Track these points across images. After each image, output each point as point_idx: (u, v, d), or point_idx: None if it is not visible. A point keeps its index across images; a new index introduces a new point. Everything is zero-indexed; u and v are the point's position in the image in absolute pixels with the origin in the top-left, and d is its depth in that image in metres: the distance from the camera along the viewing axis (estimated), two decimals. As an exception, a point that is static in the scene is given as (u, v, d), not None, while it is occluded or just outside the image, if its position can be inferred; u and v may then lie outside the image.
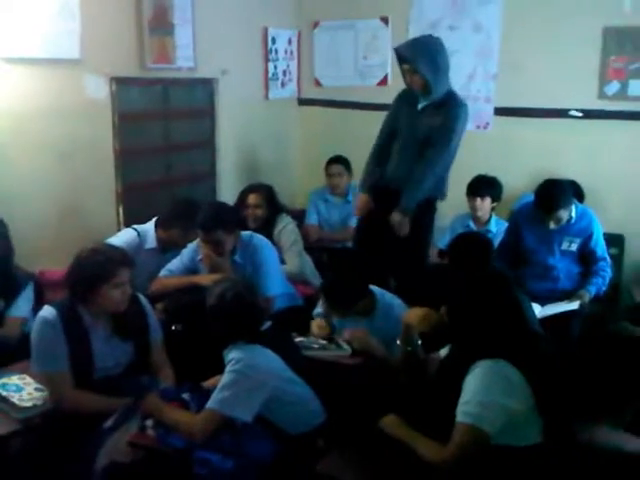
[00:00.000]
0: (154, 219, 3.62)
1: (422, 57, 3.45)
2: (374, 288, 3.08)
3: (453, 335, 2.32)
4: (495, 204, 4.30)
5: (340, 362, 2.89)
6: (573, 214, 3.62)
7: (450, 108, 3.55)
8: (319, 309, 3.27)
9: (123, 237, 3.49)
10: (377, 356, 2.88)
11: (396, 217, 3.59)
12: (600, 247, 3.70)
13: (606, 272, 3.69)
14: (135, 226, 3.63)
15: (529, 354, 2.15)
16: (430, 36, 3.72)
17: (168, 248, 3.56)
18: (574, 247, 3.67)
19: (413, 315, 2.55)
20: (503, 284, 2.34)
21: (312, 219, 4.87)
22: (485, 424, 2.05)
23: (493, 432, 2.06)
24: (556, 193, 3.56)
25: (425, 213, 3.71)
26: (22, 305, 2.99)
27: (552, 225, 3.58)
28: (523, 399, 2.09)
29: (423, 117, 3.60)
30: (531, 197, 4.60)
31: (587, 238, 3.66)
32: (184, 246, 3.50)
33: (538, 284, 3.63)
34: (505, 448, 2.07)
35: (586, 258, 3.70)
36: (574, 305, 3.52)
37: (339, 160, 4.82)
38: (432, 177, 3.59)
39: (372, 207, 3.80)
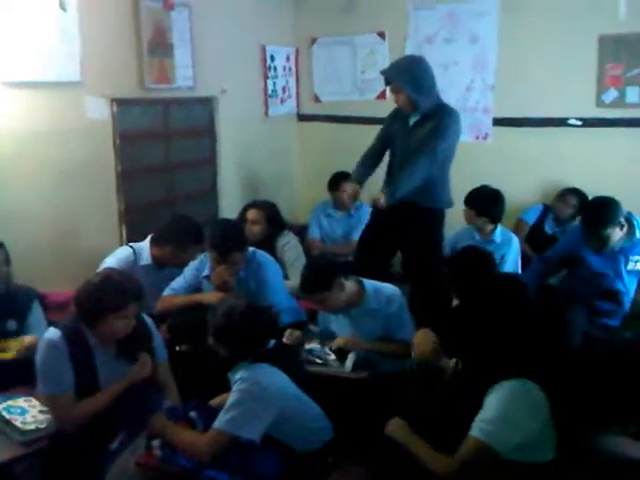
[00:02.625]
0: (149, 236, 3.61)
1: (403, 76, 3.62)
2: (359, 278, 3.14)
3: (472, 353, 2.28)
4: (489, 221, 4.15)
5: (345, 377, 2.90)
6: (638, 235, 3.51)
7: (441, 116, 3.64)
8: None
9: (119, 255, 3.49)
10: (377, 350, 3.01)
11: (378, 198, 3.65)
12: None
13: None
14: (131, 244, 3.64)
15: (552, 372, 2.11)
16: (412, 55, 4.01)
17: (164, 265, 3.57)
18: (639, 266, 3.59)
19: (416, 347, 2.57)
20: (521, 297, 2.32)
21: (314, 233, 4.86)
22: (498, 444, 2.04)
23: (504, 452, 2.04)
24: (606, 209, 3.45)
25: (434, 223, 3.77)
26: (36, 325, 2.94)
27: (598, 246, 3.49)
28: (542, 416, 2.07)
29: (415, 131, 3.69)
30: (538, 207, 4.56)
31: None
32: (180, 263, 3.52)
33: (602, 303, 3.58)
34: (518, 464, 2.05)
35: None
36: None
37: (350, 177, 4.78)
38: (424, 172, 3.59)
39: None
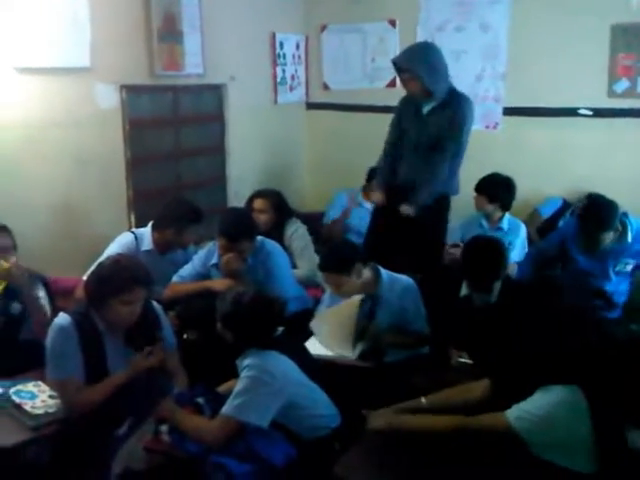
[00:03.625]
0: (151, 222, 3.62)
1: (417, 62, 3.56)
2: (376, 266, 3.15)
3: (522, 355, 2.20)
4: (500, 208, 4.16)
5: (352, 365, 2.91)
6: (629, 238, 3.49)
7: (457, 105, 3.63)
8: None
9: (121, 241, 3.50)
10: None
11: (406, 209, 3.65)
12: None
13: None
14: (133, 229, 3.67)
15: (599, 377, 2.05)
16: (424, 42, 3.88)
17: (167, 250, 3.58)
18: (629, 268, 3.57)
19: None
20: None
21: (334, 217, 4.77)
22: (527, 435, 2.01)
23: (528, 440, 2.02)
24: (601, 214, 3.43)
25: (440, 209, 3.78)
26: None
27: (591, 247, 3.46)
28: (585, 424, 2.01)
29: (430, 119, 3.67)
30: (557, 201, 4.47)
31: None
32: (183, 244, 3.55)
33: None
34: (561, 469, 2.01)
35: None
36: None
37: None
38: (445, 173, 3.65)
39: (385, 204, 3.84)
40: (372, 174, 4.56)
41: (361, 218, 4.68)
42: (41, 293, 3.00)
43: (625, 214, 3.51)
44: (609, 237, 3.43)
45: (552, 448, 2.02)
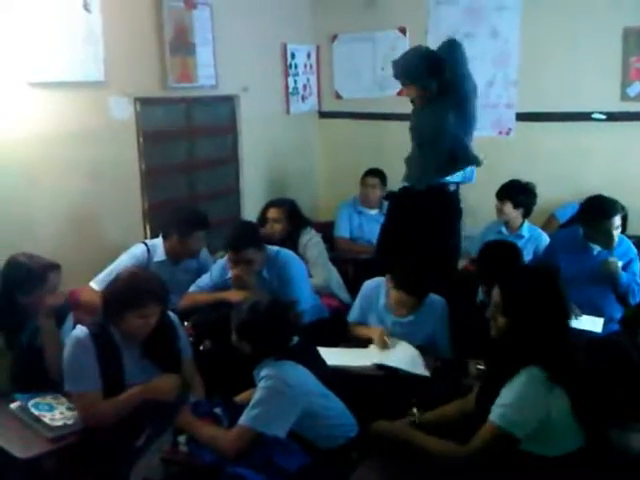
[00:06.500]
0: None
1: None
2: None
3: (499, 345, 2.24)
4: (523, 214, 4.17)
5: (369, 374, 2.90)
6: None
7: None
8: (354, 314, 3.33)
9: (132, 252, 3.54)
10: None
11: None
12: (637, 273, 3.57)
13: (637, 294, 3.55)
14: (146, 240, 3.71)
15: (569, 362, 2.09)
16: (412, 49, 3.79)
17: (179, 258, 3.59)
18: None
19: None
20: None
21: (344, 231, 4.77)
22: (516, 429, 2.03)
23: (523, 437, 2.03)
24: (608, 200, 3.47)
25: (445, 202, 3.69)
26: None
27: (604, 240, 3.43)
28: (561, 408, 2.05)
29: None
30: (573, 206, 4.32)
31: (628, 262, 3.51)
32: (189, 251, 3.56)
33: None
34: (537, 457, 2.04)
35: None
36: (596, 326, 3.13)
37: (375, 172, 4.74)
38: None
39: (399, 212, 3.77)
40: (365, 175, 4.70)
41: (362, 224, 4.74)
42: (68, 323, 2.93)
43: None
44: (617, 223, 3.41)
45: (536, 433, 2.03)
